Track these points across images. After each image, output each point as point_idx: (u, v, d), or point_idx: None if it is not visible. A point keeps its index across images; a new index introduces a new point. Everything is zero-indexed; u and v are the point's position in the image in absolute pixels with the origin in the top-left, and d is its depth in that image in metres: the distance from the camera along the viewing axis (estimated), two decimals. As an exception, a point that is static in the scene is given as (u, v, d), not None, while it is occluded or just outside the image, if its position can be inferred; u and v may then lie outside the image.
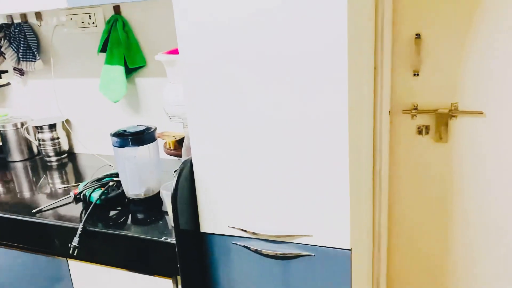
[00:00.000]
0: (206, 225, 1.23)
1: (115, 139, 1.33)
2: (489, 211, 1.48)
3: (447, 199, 1.52)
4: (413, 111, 1.47)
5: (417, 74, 1.44)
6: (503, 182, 1.43)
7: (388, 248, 1.64)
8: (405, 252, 1.63)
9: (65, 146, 1.93)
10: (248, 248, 1.18)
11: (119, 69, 1.67)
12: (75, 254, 1.27)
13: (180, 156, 1.44)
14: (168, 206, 1.23)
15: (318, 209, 1.09)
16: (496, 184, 1.44)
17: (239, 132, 1.11)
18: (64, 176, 1.78)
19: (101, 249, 1.32)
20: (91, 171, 1.76)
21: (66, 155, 1.95)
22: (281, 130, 1.06)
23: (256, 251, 1.17)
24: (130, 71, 1.72)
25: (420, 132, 1.49)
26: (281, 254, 1.15)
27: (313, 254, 1.12)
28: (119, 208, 1.42)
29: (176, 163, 1.22)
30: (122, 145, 1.32)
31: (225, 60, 1.07)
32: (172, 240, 1.19)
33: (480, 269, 1.54)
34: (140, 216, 1.38)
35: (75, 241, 1.26)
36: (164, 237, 1.21)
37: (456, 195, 1.50)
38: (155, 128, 1.38)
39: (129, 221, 1.35)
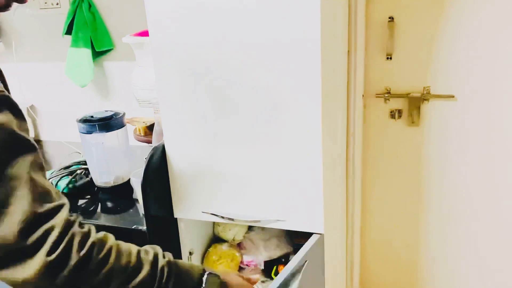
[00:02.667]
0: (179, 211, 1.20)
1: (82, 125, 1.28)
2: (460, 193, 1.50)
3: (419, 182, 1.53)
4: (386, 95, 1.47)
5: (390, 58, 1.43)
6: (474, 165, 1.46)
7: (362, 232, 1.65)
8: (379, 237, 1.65)
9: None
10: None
11: (86, 52, 1.61)
12: (41, 244, 1.22)
13: (151, 142, 1.40)
14: (138, 192, 1.20)
15: (291, 194, 1.08)
16: (467, 166, 1.47)
17: (213, 116, 1.08)
18: (30, 165, 1.71)
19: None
20: (59, 159, 1.69)
21: (32, 142, 1.87)
22: (255, 114, 1.04)
23: None
24: (97, 54, 1.66)
25: (393, 116, 1.50)
26: (254, 240, 1.13)
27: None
28: (88, 196, 1.37)
29: (147, 149, 1.18)
30: (89, 131, 1.27)
31: (196, 41, 1.03)
32: (143, 227, 1.16)
33: (452, 254, 1.58)
34: (110, 204, 1.34)
35: (41, 232, 1.21)
36: (134, 225, 1.18)
37: (428, 178, 1.52)
38: (124, 114, 1.33)
39: (98, 210, 1.31)
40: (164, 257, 0.72)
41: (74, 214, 0.64)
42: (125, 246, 0.68)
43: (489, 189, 1.47)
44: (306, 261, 1.01)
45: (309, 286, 1.11)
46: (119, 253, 0.65)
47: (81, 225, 0.64)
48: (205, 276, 0.74)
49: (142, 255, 0.69)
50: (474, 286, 1.59)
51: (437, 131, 1.46)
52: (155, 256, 0.70)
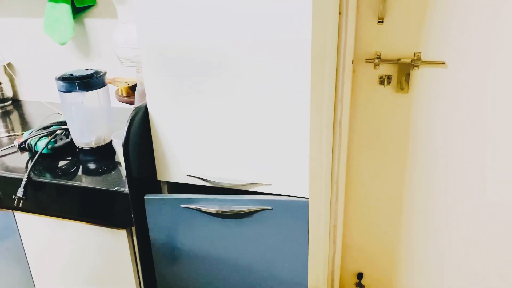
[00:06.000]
0: (163, 174, 1.18)
1: (61, 83, 1.22)
2: (446, 160, 1.51)
3: (405, 150, 1.53)
4: (376, 60, 1.44)
5: (382, 22, 1.40)
6: (460, 133, 1.46)
7: (346, 197, 1.66)
8: (363, 201, 1.66)
9: (8, 93, 1.79)
10: (201, 210, 1.13)
11: (65, 8, 1.53)
12: (20, 205, 1.20)
13: (134, 104, 1.35)
14: (120, 155, 1.17)
15: (277, 158, 1.06)
16: (454, 134, 1.47)
17: (197, 76, 1.04)
18: (8, 125, 1.65)
19: (50, 201, 1.25)
20: (39, 119, 1.64)
21: (10, 102, 1.81)
22: (242, 75, 1.01)
23: (208, 213, 1.13)
24: (78, 11, 1.58)
25: (382, 82, 1.47)
26: (239, 211, 1.11)
27: (270, 208, 1.09)
28: (69, 158, 1.34)
29: (129, 111, 1.14)
30: (68, 89, 1.22)
31: (179, -4, 0.98)
32: (125, 190, 1.14)
33: (433, 221, 1.60)
34: (91, 166, 1.31)
35: (20, 192, 1.19)
36: (116, 187, 1.15)
37: (414, 146, 1.52)
38: (105, 72, 1.28)
39: (79, 171, 1.28)
40: None
41: None
42: None
43: (475, 159, 1.47)
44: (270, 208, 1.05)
45: (290, 246, 1.11)
46: None
47: None
48: None
49: None
50: (453, 250, 1.62)
51: (426, 98, 1.45)
52: None
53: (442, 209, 1.57)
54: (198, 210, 1.12)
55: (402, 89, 1.46)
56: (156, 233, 1.19)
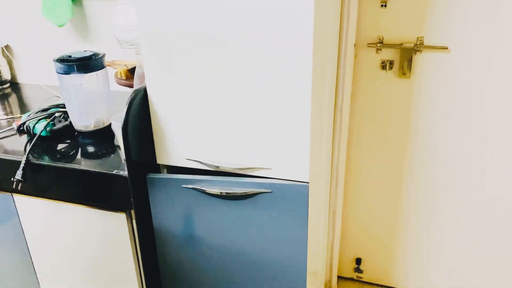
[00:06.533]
0: (162, 157, 1.17)
1: (59, 65, 1.21)
2: (447, 146, 1.50)
3: (406, 135, 1.53)
4: (379, 45, 1.42)
5: (385, 5, 1.37)
6: (462, 118, 1.45)
7: (345, 182, 1.66)
8: (362, 188, 1.66)
9: (6, 75, 1.77)
10: (203, 191, 1.13)
11: (63, -11, 1.50)
12: (19, 188, 1.19)
13: (133, 87, 1.34)
14: (119, 138, 1.16)
15: (278, 142, 1.05)
16: (455, 119, 1.46)
17: (198, 58, 1.02)
18: (7, 108, 1.64)
19: (49, 184, 1.24)
20: (37, 102, 1.63)
21: (8, 85, 1.79)
22: (243, 58, 0.99)
23: (209, 194, 1.12)
24: (76, -8, 1.56)
25: (384, 67, 1.46)
26: (242, 193, 1.11)
27: (270, 191, 1.09)
28: (68, 141, 1.33)
29: (129, 94, 1.13)
30: (67, 71, 1.21)
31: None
32: (125, 173, 1.13)
33: (432, 208, 1.60)
34: (90, 149, 1.30)
35: (19, 175, 1.18)
36: (115, 170, 1.15)
37: (415, 131, 1.51)
38: (104, 55, 1.27)
39: (78, 154, 1.27)
40: None
41: None
42: None
43: (477, 145, 1.46)
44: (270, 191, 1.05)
45: (289, 231, 1.11)
46: None
47: None
48: None
49: None
50: (450, 239, 1.63)
51: (428, 84, 1.44)
52: None
53: (442, 194, 1.57)
54: (201, 191, 1.12)
55: (404, 74, 1.44)
56: (157, 213, 1.19)
